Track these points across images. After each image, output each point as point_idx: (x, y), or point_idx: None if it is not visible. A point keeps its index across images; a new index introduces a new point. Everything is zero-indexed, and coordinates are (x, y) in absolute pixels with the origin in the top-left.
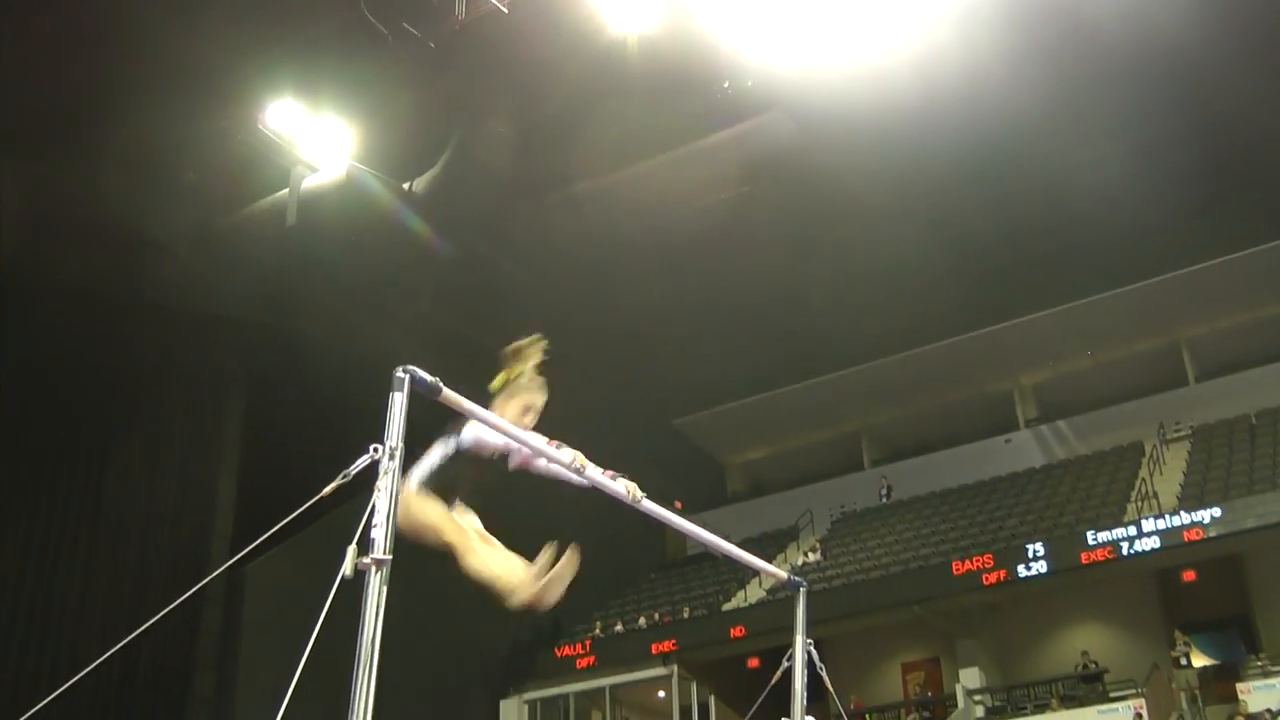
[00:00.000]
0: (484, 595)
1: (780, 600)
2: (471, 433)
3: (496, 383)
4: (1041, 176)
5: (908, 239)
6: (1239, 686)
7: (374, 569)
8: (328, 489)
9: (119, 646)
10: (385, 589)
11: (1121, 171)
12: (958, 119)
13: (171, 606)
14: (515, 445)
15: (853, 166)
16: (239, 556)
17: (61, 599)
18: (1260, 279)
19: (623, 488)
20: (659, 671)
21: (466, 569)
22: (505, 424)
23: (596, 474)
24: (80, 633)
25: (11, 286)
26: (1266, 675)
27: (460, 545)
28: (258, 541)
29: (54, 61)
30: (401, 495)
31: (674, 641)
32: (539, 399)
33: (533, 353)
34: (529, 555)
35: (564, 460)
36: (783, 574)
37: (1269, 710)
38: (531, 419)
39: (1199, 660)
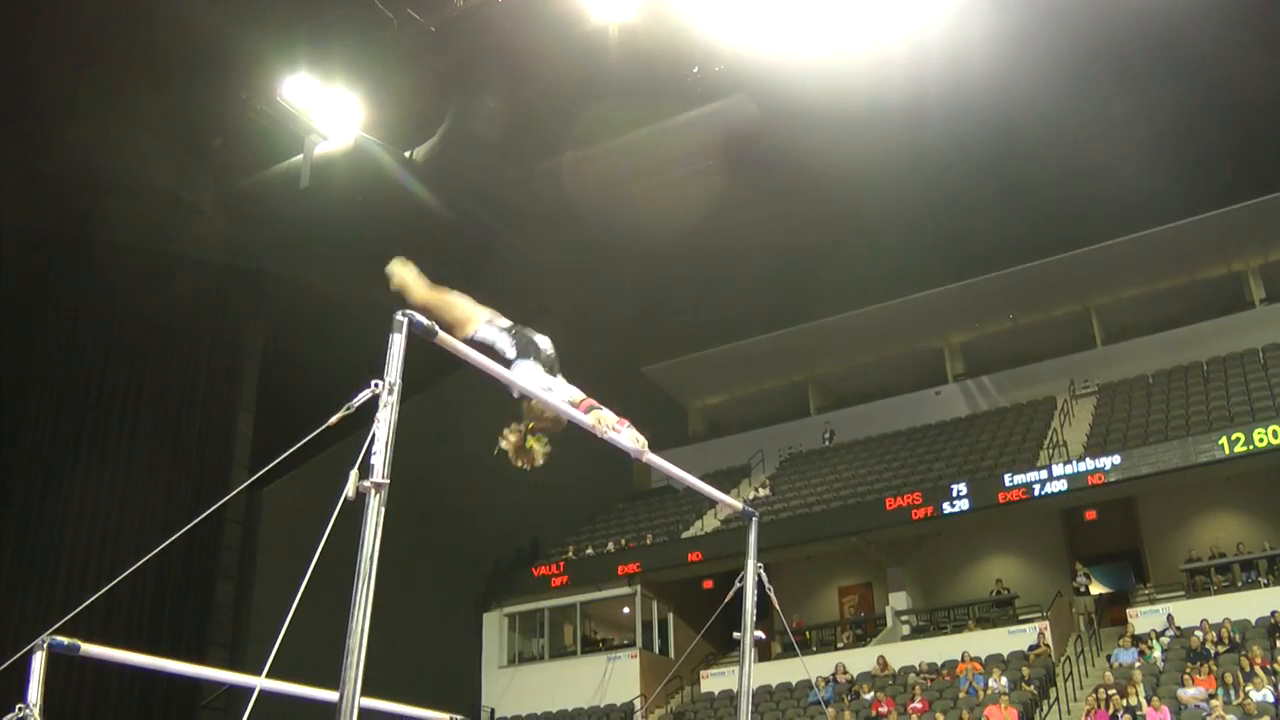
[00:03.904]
0: (470, 524)
1: (734, 529)
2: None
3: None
4: (985, 156)
5: (858, 213)
6: (1129, 611)
7: (373, 491)
8: (334, 418)
9: (153, 554)
10: (383, 509)
11: (1040, 155)
12: (908, 103)
13: (196, 520)
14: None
15: (811, 149)
16: (255, 477)
17: (104, 515)
18: (1160, 256)
19: (632, 441)
20: (624, 590)
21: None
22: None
23: (611, 434)
24: (119, 545)
25: (68, 242)
26: (1152, 602)
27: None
28: (271, 464)
29: (98, 39)
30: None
31: (638, 564)
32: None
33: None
34: None
35: (587, 423)
36: (737, 505)
37: (1154, 631)
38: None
39: (1096, 589)
